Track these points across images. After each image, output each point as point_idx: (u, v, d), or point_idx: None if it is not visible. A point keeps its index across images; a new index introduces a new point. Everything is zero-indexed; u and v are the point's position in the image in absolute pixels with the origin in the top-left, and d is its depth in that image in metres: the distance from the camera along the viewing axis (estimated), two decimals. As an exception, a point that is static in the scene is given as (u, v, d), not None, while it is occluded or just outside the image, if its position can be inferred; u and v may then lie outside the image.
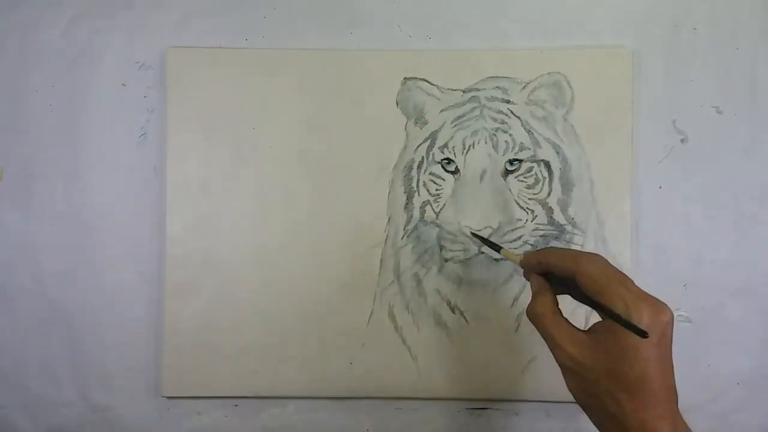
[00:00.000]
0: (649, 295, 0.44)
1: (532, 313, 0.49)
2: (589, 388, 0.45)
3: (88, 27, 0.70)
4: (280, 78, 0.68)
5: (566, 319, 0.48)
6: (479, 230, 0.65)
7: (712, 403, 0.68)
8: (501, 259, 0.66)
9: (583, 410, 0.47)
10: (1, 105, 0.70)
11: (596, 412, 0.46)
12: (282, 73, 0.68)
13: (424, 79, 0.68)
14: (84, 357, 0.69)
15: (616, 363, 0.43)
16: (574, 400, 0.47)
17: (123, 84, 0.70)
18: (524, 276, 0.54)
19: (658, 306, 0.43)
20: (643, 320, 0.42)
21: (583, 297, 0.47)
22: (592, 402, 0.46)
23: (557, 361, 0.47)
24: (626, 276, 0.46)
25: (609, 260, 0.47)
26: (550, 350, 0.48)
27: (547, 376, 0.66)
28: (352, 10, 0.70)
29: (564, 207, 0.67)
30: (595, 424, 0.47)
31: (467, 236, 0.66)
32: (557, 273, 0.49)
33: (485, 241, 0.63)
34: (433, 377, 0.67)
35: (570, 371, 0.46)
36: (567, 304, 0.50)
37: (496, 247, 0.61)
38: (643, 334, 0.41)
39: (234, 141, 0.68)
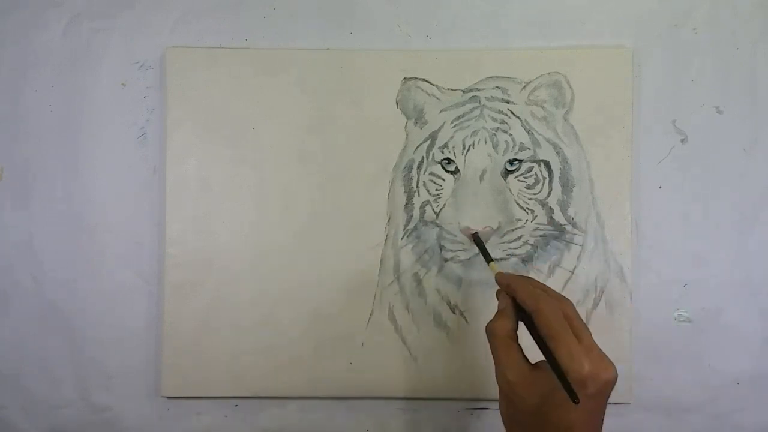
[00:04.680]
0: (600, 353, 0.44)
1: (489, 331, 0.50)
2: (517, 416, 0.47)
3: (88, 27, 0.70)
4: (280, 78, 0.68)
5: (519, 347, 0.49)
6: (477, 231, 0.65)
7: (712, 403, 0.68)
8: (501, 259, 0.66)
9: None
10: (1, 105, 0.70)
11: None
12: (282, 73, 0.68)
13: (424, 79, 0.68)
14: (84, 357, 0.69)
15: (546, 404, 0.44)
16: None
17: (123, 84, 0.70)
18: (496, 294, 0.54)
19: (603, 363, 0.44)
20: (582, 372, 0.43)
21: (536, 336, 0.47)
22: (516, 430, 0.47)
23: (497, 381, 0.48)
24: (586, 329, 0.46)
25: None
26: (495, 369, 0.49)
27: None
28: (352, 10, 0.70)
29: (564, 207, 0.67)
30: None
31: (466, 236, 0.66)
32: (520, 304, 0.50)
33: (481, 247, 0.63)
34: (433, 377, 0.67)
35: (504, 395, 0.48)
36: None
37: (488, 258, 0.61)
38: (574, 398, 0.41)
39: (234, 141, 0.68)
